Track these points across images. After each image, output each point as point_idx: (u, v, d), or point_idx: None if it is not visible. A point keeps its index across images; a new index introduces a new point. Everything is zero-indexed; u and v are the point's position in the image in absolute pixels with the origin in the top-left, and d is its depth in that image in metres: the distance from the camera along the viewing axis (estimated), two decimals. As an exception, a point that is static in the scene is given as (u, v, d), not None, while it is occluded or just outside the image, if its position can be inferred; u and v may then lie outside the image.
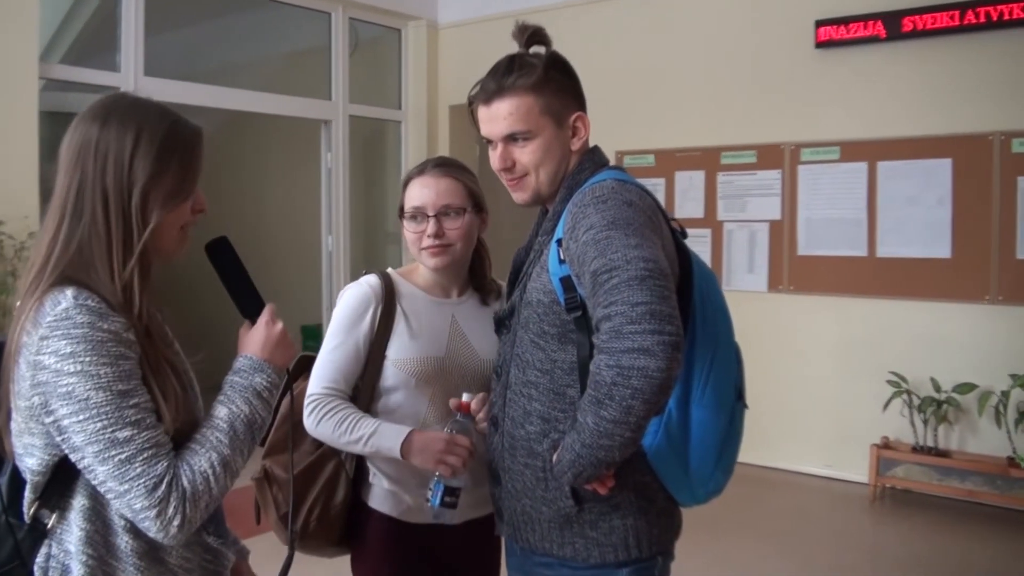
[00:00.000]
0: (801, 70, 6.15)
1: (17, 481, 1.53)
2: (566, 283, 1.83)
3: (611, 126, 6.46)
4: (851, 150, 5.99)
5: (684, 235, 1.97)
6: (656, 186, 6.68)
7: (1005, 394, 5.30)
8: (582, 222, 1.76)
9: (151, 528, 1.45)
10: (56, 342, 1.42)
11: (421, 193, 2.26)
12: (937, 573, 4.65)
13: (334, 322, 2.28)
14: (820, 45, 6.04)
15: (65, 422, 1.42)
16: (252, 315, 1.70)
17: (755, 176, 6.42)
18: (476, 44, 7.54)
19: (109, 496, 1.45)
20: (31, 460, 1.49)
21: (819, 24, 6.02)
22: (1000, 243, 5.49)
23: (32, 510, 1.51)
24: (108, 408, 1.42)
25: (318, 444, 2.27)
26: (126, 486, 1.42)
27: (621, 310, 1.58)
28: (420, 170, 2.31)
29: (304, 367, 2.40)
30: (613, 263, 1.63)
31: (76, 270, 1.49)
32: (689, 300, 1.83)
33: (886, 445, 5.70)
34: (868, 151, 5.93)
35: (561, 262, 1.84)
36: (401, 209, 2.31)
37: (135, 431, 1.43)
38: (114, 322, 1.46)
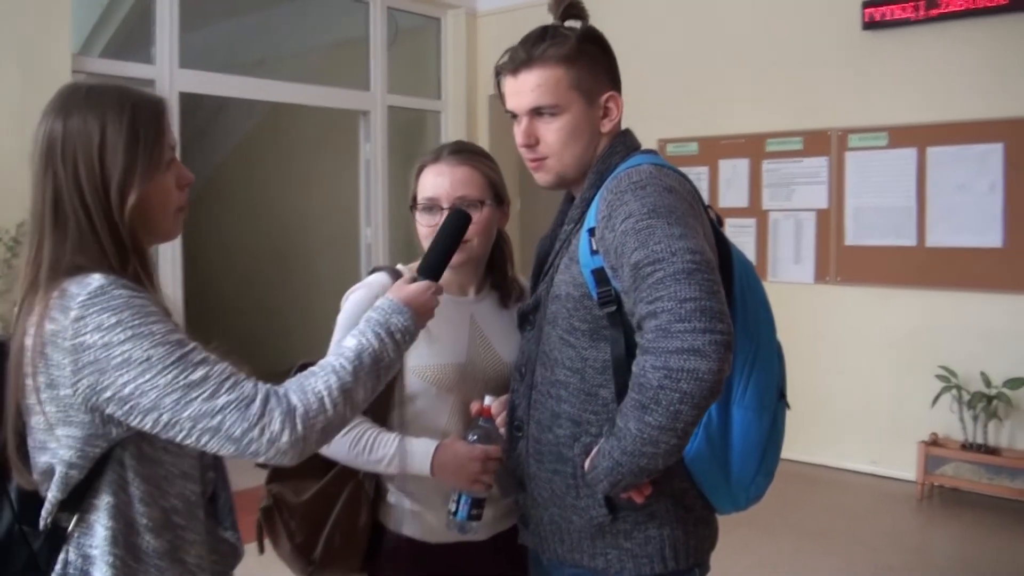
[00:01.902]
0: (847, 53, 5.95)
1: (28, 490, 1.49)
2: (599, 276, 1.70)
3: (653, 113, 6.36)
4: (900, 135, 5.79)
5: (721, 224, 1.84)
6: (699, 175, 6.55)
7: (1059, 389, 5.08)
8: (619, 210, 1.63)
9: (260, 450, 1.40)
10: (96, 317, 1.38)
11: (435, 183, 2.07)
12: (975, 571, 4.48)
13: (340, 326, 2.07)
14: (867, 27, 5.84)
15: (128, 389, 1.37)
16: (424, 274, 1.77)
17: (801, 163, 6.23)
18: (516, 32, 7.28)
19: (203, 441, 1.39)
20: (67, 452, 1.44)
21: (866, 5, 5.82)
22: (1054, 231, 5.25)
23: (52, 513, 1.46)
24: (173, 359, 1.38)
25: (328, 464, 2.07)
26: (218, 418, 1.38)
27: (668, 307, 1.47)
28: (435, 156, 2.11)
29: None
30: (657, 255, 1.52)
31: (84, 266, 1.45)
32: (729, 294, 1.68)
33: (934, 442, 5.51)
34: (917, 136, 5.72)
35: (593, 253, 1.71)
36: (414, 199, 2.13)
37: (208, 368, 1.40)
38: (147, 295, 1.44)
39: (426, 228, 2.07)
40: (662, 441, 1.49)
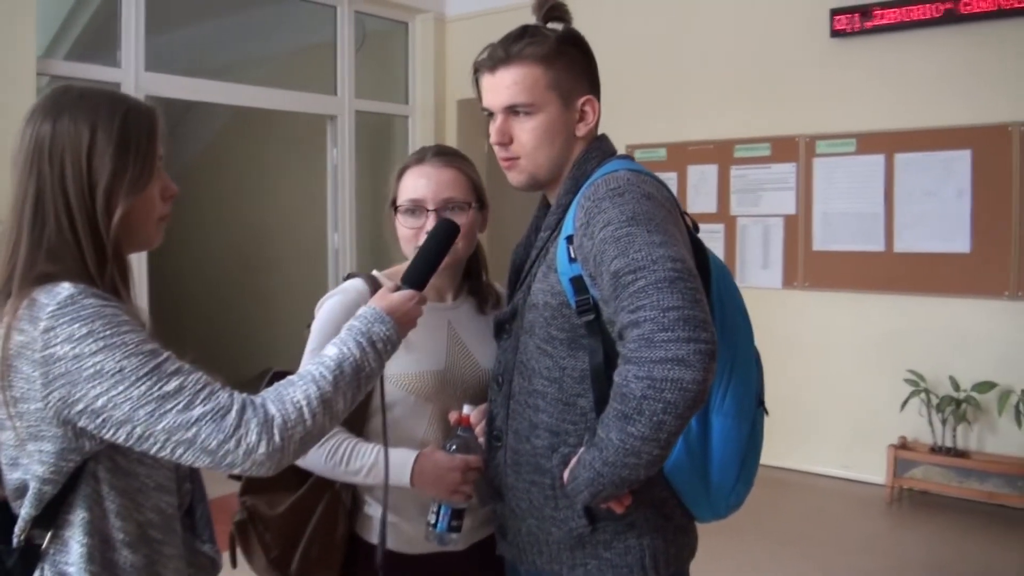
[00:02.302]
0: (816, 60, 5.99)
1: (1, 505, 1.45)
2: (577, 284, 1.68)
3: (621, 119, 6.31)
4: (868, 142, 5.83)
5: (696, 229, 1.83)
6: (668, 181, 6.40)
7: (1027, 393, 5.13)
8: (598, 217, 1.61)
9: (236, 462, 1.37)
10: (66, 328, 1.34)
11: (420, 184, 2.03)
12: None
13: (315, 335, 2.01)
14: (836, 34, 5.88)
15: (100, 402, 1.33)
16: (408, 283, 1.74)
17: (769, 169, 6.26)
18: (485, 37, 7.24)
19: (178, 453, 1.36)
20: (40, 468, 1.39)
21: (835, 13, 5.86)
22: (1020, 237, 5.32)
23: (26, 530, 1.41)
24: (146, 369, 1.34)
25: (303, 475, 2.02)
26: (193, 430, 1.34)
27: (651, 315, 1.44)
28: (419, 158, 2.08)
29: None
30: (637, 263, 1.50)
31: (55, 273, 1.41)
32: (707, 301, 1.62)
33: (903, 445, 5.55)
34: (885, 143, 5.77)
35: (572, 261, 1.69)
36: (393, 202, 2.08)
37: (182, 378, 1.37)
38: (119, 304, 1.40)
39: (409, 230, 2.03)
40: (644, 452, 1.47)
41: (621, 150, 5.50)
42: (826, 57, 5.95)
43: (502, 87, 1.80)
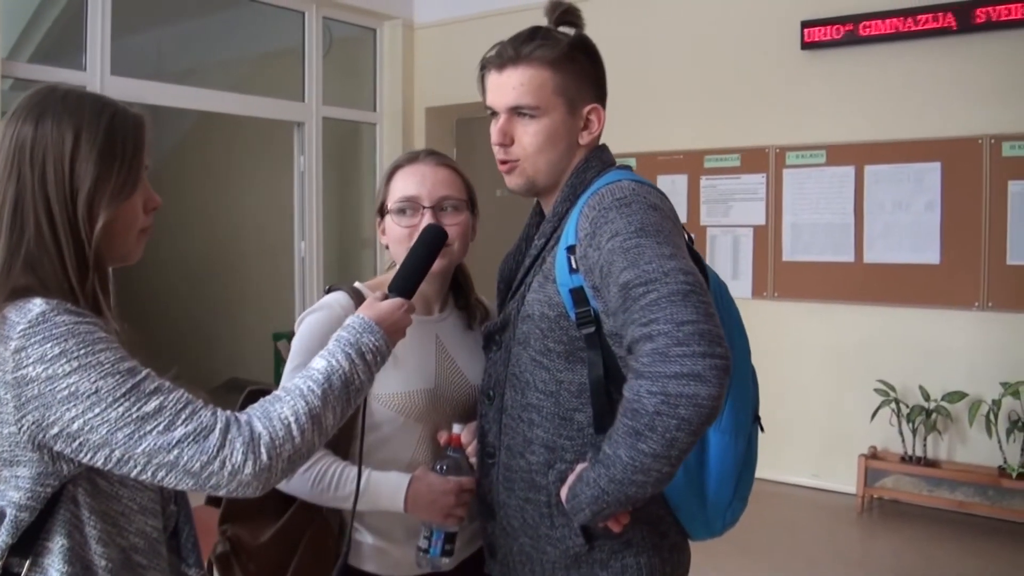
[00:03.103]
0: (786, 72, 6.03)
1: None
2: (577, 295, 1.64)
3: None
4: (838, 153, 5.88)
5: (692, 241, 1.78)
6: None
7: (996, 403, 5.18)
8: (604, 227, 1.58)
9: (222, 483, 1.30)
10: (38, 348, 1.27)
11: (413, 183, 1.95)
12: None
13: (297, 351, 1.90)
14: (806, 46, 5.92)
15: (76, 425, 1.27)
16: (396, 291, 1.69)
17: (739, 180, 6.28)
18: (454, 45, 7.40)
19: (160, 476, 1.29)
20: (16, 494, 1.32)
21: (805, 25, 5.89)
22: (990, 249, 5.38)
23: (2, 558, 1.33)
24: (123, 389, 1.28)
25: (287, 500, 1.92)
26: (175, 452, 1.28)
27: (665, 329, 1.41)
28: (411, 158, 2.00)
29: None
30: (648, 275, 1.47)
31: (29, 285, 1.33)
32: None
33: (874, 455, 5.59)
34: (855, 154, 5.82)
35: (573, 271, 1.65)
36: (383, 206, 1.99)
37: (162, 398, 1.30)
38: (95, 320, 1.33)
39: (403, 229, 1.95)
40: (654, 469, 1.44)
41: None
42: (797, 69, 5.99)
43: (508, 87, 1.76)
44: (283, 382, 1.87)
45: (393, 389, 1.91)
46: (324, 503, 1.89)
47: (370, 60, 7.79)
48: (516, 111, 1.76)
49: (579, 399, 1.68)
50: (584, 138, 1.79)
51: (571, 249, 1.65)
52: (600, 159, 1.80)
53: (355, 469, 1.84)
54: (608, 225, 1.57)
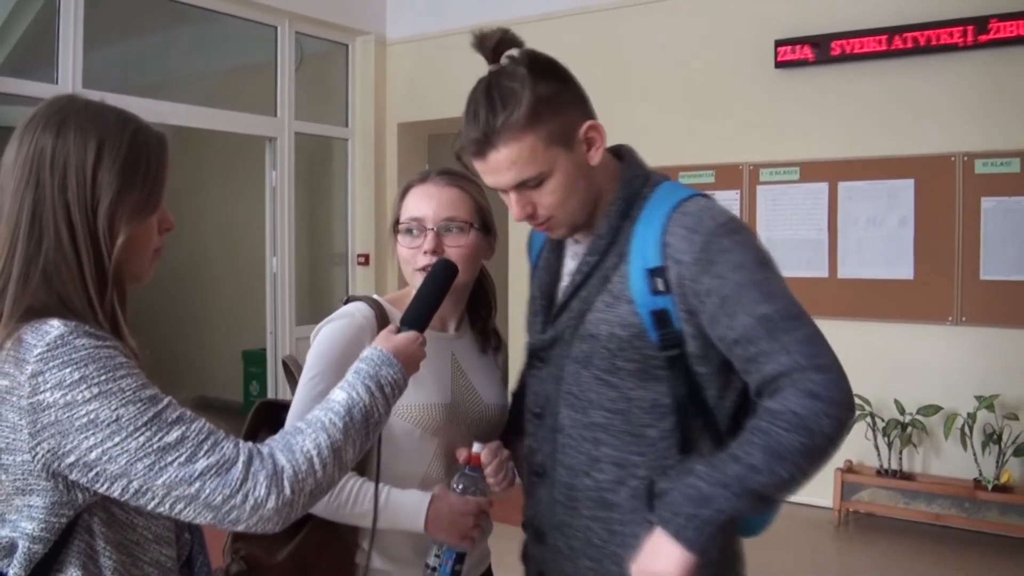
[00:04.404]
0: (760, 90, 6.09)
1: None
2: (660, 317, 1.62)
3: (567, 145, 6.36)
4: (811, 170, 5.94)
5: None
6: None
7: (971, 416, 5.24)
8: (723, 256, 1.56)
9: (242, 518, 1.27)
10: (56, 373, 1.22)
11: (421, 204, 1.93)
12: None
13: (316, 362, 1.87)
14: (780, 65, 5.99)
15: (94, 454, 1.22)
16: (408, 324, 1.66)
17: (713, 196, 6.30)
18: (426, 60, 7.39)
19: (178, 509, 1.25)
20: (29, 525, 1.26)
21: (779, 44, 5.97)
22: (963, 264, 5.47)
23: None
24: (145, 418, 1.24)
25: (301, 518, 1.89)
26: (196, 486, 1.24)
27: (829, 363, 1.52)
28: (422, 178, 1.98)
29: (265, 417, 1.99)
30: (790, 310, 1.55)
31: (47, 302, 1.29)
32: None
33: (850, 469, 5.63)
34: (829, 171, 5.88)
35: (656, 293, 1.62)
36: (396, 223, 1.97)
37: (184, 428, 1.26)
38: (115, 343, 1.28)
39: (408, 250, 1.93)
40: (794, 487, 1.51)
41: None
42: (771, 87, 6.06)
43: (502, 169, 1.64)
44: (298, 392, 1.88)
45: (411, 401, 1.87)
46: (341, 520, 1.84)
47: (342, 75, 7.77)
48: (522, 185, 1.65)
49: (650, 415, 1.67)
50: (595, 157, 1.68)
51: (656, 271, 1.62)
52: (638, 165, 1.77)
53: (371, 486, 1.81)
54: (727, 255, 1.56)
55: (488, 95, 1.63)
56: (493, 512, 1.94)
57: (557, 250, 1.85)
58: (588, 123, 1.67)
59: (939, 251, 5.54)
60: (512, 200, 1.68)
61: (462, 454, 1.88)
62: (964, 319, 5.48)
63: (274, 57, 7.15)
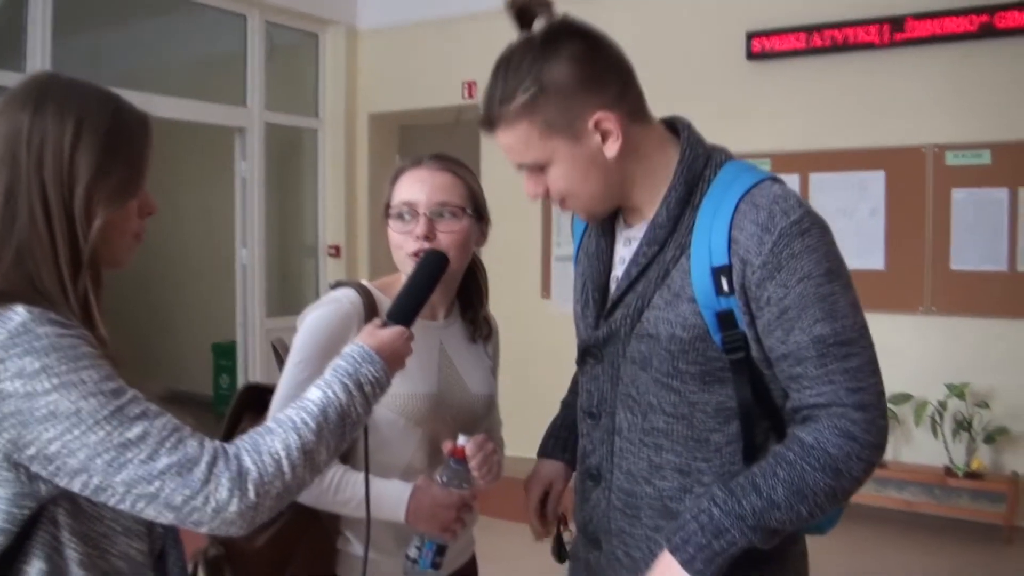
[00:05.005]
0: (733, 82, 6.12)
1: None
2: (726, 319, 1.52)
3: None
4: (783, 162, 5.96)
5: None
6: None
7: (941, 404, 5.32)
8: (791, 263, 1.46)
9: (204, 520, 1.22)
10: (17, 361, 1.18)
11: (413, 188, 1.90)
12: None
13: (303, 346, 1.85)
14: (752, 57, 6.03)
15: (54, 447, 1.17)
16: (394, 319, 1.59)
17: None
18: (397, 50, 7.35)
19: (139, 507, 1.21)
20: None
21: (751, 36, 6.00)
22: (934, 254, 5.54)
23: None
24: (106, 412, 1.19)
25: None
26: (156, 484, 1.19)
27: (872, 401, 1.48)
28: (415, 162, 1.95)
29: (250, 401, 1.98)
30: (847, 334, 1.47)
31: (17, 285, 1.25)
32: None
33: (822, 457, 5.67)
34: (800, 163, 5.93)
35: (722, 293, 1.51)
36: (387, 207, 1.94)
37: (146, 423, 1.21)
38: (81, 331, 1.25)
39: (399, 235, 1.91)
40: (810, 523, 1.51)
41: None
42: (743, 79, 6.09)
43: (506, 148, 1.59)
44: (283, 378, 1.86)
45: (396, 389, 1.80)
46: (323, 507, 1.84)
47: (312, 66, 7.71)
48: (524, 167, 1.60)
49: (715, 419, 1.58)
50: (611, 149, 1.55)
51: (721, 270, 1.51)
52: (692, 144, 1.64)
53: (357, 474, 1.80)
54: (795, 261, 1.46)
55: (497, 72, 1.57)
56: (480, 506, 1.94)
57: (607, 233, 1.73)
58: (599, 115, 1.53)
59: (910, 242, 5.61)
60: (525, 179, 1.62)
61: (447, 446, 1.86)
62: (934, 309, 5.55)
63: (244, 47, 7.08)
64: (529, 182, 1.60)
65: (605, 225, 1.73)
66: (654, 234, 1.59)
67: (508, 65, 1.56)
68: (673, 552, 1.48)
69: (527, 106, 1.52)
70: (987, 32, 5.32)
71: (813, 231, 1.48)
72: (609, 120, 1.53)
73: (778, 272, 1.47)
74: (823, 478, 1.44)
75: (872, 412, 1.46)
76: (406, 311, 1.61)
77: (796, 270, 1.46)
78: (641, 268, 1.60)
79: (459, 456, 1.84)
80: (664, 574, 1.49)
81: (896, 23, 5.53)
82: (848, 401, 1.45)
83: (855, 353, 1.47)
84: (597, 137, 1.54)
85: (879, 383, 1.49)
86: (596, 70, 1.56)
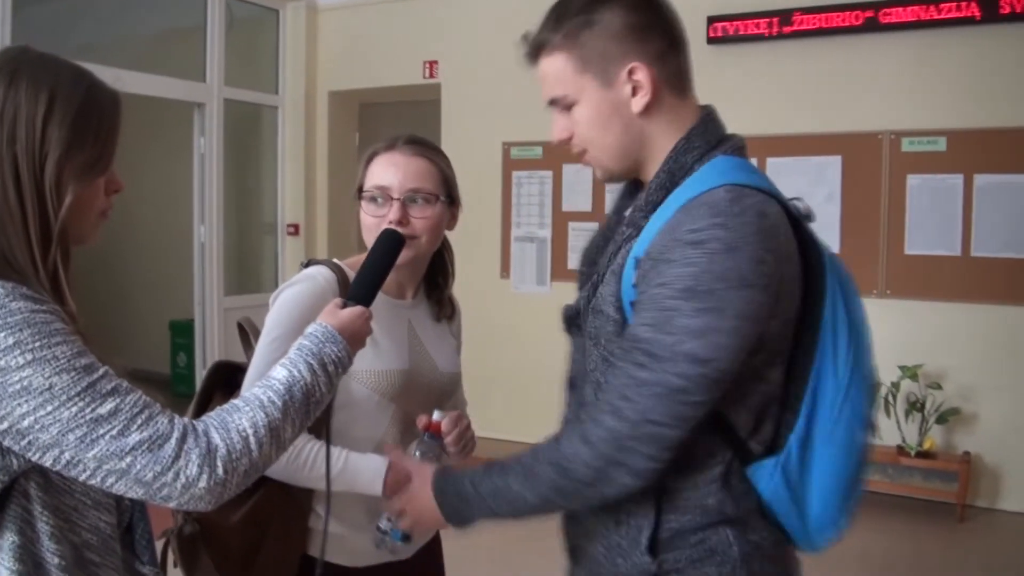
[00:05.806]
0: (692, 65, 6.12)
1: None
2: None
3: (497, 116, 6.42)
4: (741, 146, 6.03)
5: (810, 219, 1.60)
6: (543, 179, 6.61)
7: (895, 385, 5.42)
8: (660, 268, 1.41)
9: (173, 495, 1.24)
10: None
11: (387, 172, 1.92)
12: (833, 563, 4.63)
13: (277, 323, 1.86)
14: (712, 41, 6.08)
15: (26, 422, 1.19)
16: (355, 299, 1.61)
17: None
18: (358, 28, 7.32)
19: (109, 482, 1.22)
20: None
21: (711, 20, 6.04)
22: (888, 239, 5.66)
23: None
24: (78, 388, 1.21)
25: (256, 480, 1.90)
26: (127, 460, 1.21)
27: (634, 418, 1.40)
28: (389, 145, 1.97)
29: (222, 378, 2.00)
30: (656, 347, 1.39)
31: None
32: (819, 314, 1.51)
33: (778, 437, 5.76)
34: (758, 147, 5.93)
35: (635, 285, 1.47)
36: (360, 189, 1.96)
37: (118, 400, 1.23)
38: (53, 307, 1.26)
39: (372, 218, 1.93)
40: (548, 511, 1.54)
41: (498, 148, 5.47)
42: (702, 63, 6.03)
43: (542, 79, 1.58)
44: (256, 354, 1.87)
45: (370, 366, 1.89)
46: (298, 483, 1.86)
47: (273, 42, 7.64)
48: (554, 103, 1.58)
49: None
50: (637, 104, 1.52)
51: (639, 262, 1.47)
52: (704, 135, 1.57)
53: (332, 449, 1.80)
54: (666, 267, 1.40)
55: (555, 6, 1.59)
56: None
57: (621, 210, 1.71)
58: (635, 64, 1.51)
59: (865, 227, 5.71)
60: (553, 119, 1.60)
61: (422, 420, 1.88)
62: (889, 292, 5.66)
63: (204, 21, 6.99)
64: (556, 122, 1.59)
65: (625, 201, 1.72)
66: (634, 216, 1.56)
67: (560, 6, 1.58)
68: (437, 495, 1.63)
69: (570, 36, 1.53)
70: (945, 22, 5.41)
71: (709, 245, 1.38)
72: (643, 73, 1.51)
73: (652, 271, 1.43)
74: (553, 476, 1.48)
75: (624, 426, 1.40)
76: (365, 291, 1.63)
77: (661, 274, 1.41)
78: (616, 247, 1.57)
79: (435, 431, 1.87)
80: (426, 500, 1.65)
81: (857, 9, 5.61)
82: (613, 403, 1.43)
83: (651, 369, 1.39)
84: (628, 88, 1.52)
85: (654, 406, 1.39)
86: (646, 21, 1.54)
